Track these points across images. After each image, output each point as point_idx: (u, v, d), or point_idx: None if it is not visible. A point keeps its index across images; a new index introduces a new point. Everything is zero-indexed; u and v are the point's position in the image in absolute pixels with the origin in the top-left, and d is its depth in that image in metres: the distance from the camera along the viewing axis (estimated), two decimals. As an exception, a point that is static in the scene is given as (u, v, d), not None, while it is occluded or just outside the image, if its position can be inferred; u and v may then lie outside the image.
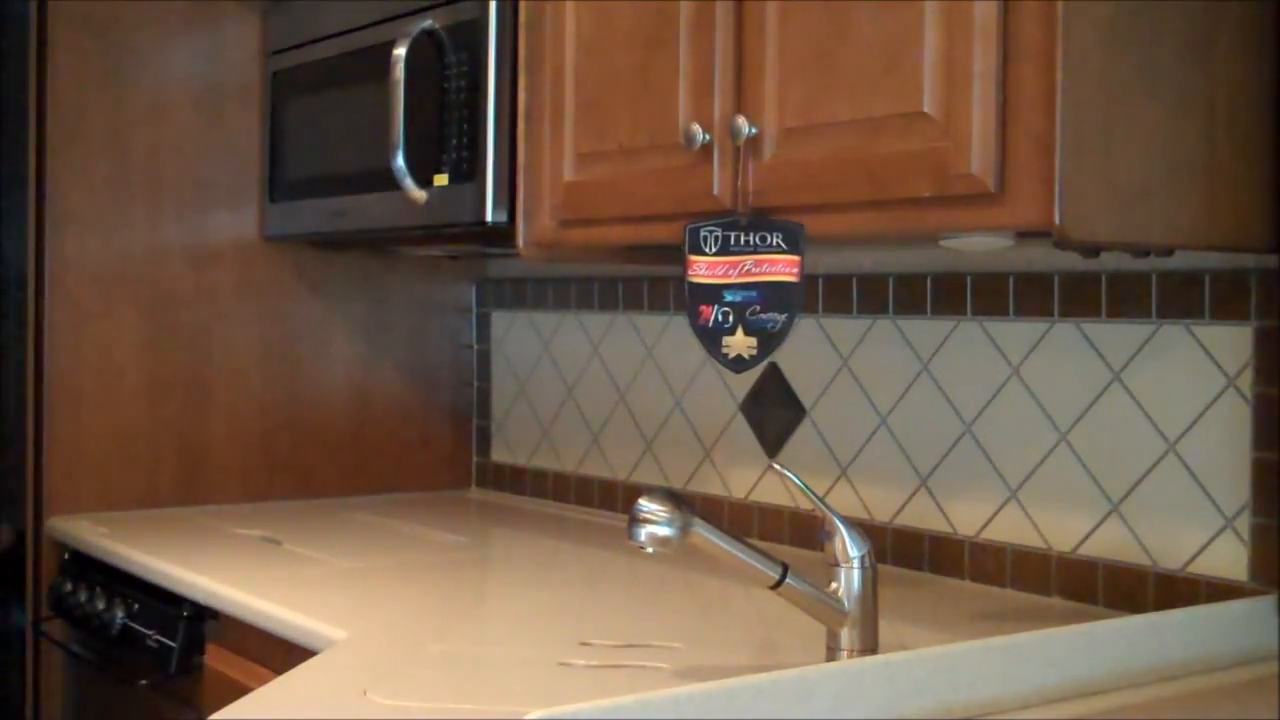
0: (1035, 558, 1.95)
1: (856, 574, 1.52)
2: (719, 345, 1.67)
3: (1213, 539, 1.75)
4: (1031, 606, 1.90)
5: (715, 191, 1.80)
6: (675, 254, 1.75)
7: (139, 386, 2.67)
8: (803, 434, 2.29)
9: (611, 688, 1.23)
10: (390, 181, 2.25)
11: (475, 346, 3.02)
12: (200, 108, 2.72)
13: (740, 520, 2.37)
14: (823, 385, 2.26)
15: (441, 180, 2.23)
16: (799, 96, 1.70)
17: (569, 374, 2.79)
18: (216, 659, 2.02)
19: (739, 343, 1.67)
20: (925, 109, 1.56)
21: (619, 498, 2.65)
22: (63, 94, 2.58)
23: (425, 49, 2.24)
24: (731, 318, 1.69)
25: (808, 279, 1.66)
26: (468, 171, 2.18)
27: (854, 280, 2.20)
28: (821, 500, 1.54)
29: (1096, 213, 1.49)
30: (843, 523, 1.53)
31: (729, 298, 1.69)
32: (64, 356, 2.61)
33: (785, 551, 2.15)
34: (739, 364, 1.68)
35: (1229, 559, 1.74)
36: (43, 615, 2.55)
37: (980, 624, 1.81)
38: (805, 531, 2.25)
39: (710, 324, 1.70)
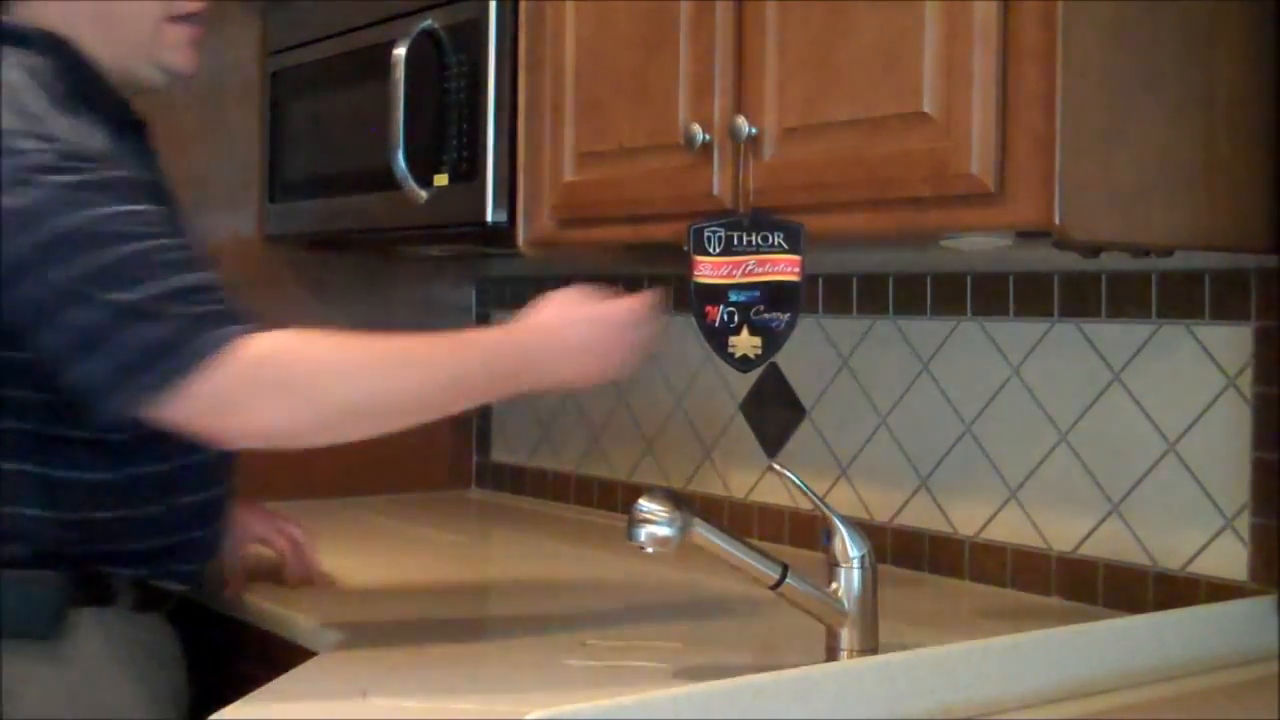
0: (1035, 558, 1.95)
1: (856, 574, 1.52)
2: (725, 345, 1.68)
3: (1213, 539, 1.75)
4: (1031, 606, 1.90)
5: (715, 191, 1.80)
6: (675, 253, 1.75)
7: (139, 386, 2.67)
8: (803, 434, 2.29)
9: (611, 688, 1.23)
10: (390, 181, 2.25)
11: (475, 346, 3.02)
12: (200, 107, 2.71)
13: (740, 520, 2.37)
14: (823, 385, 2.26)
15: (441, 180, 2.23)
16: (799, 96, 1.70)
17: (569, 374, 2.78)
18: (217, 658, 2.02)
19: (744, 342, 1.67)
20: (925, 109, 1.56)
21: (619, 498, 2.65)
22: (63, 94, 2.58)
23: (425, 49, 2.24)
24: (736, 318, 1.69)
25: (808, 279, 1.66)
26: (468, 171, 2.18)
27: (854, 280, 2.20)
28: (821, 500, 1.54)
29: (1096, 213, 1.49)
30: (843, 523, 1.53)
31: (733, 298, 1.69)
32: (64, 356, 2.60)
33: (785, 551, 2.15)
34: (745, 364, 1.68)
35: (1229, 559, 1.74)
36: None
37: (980, 624, 1.81)
38: (805, 531, 2.25)
39: (716, 324, 1.70)
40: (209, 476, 1.66)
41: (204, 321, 1.42)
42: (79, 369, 1.43)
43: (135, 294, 1.41)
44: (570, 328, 1.56)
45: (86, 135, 1.52)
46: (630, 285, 2.59)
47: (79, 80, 1.59)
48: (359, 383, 1.46)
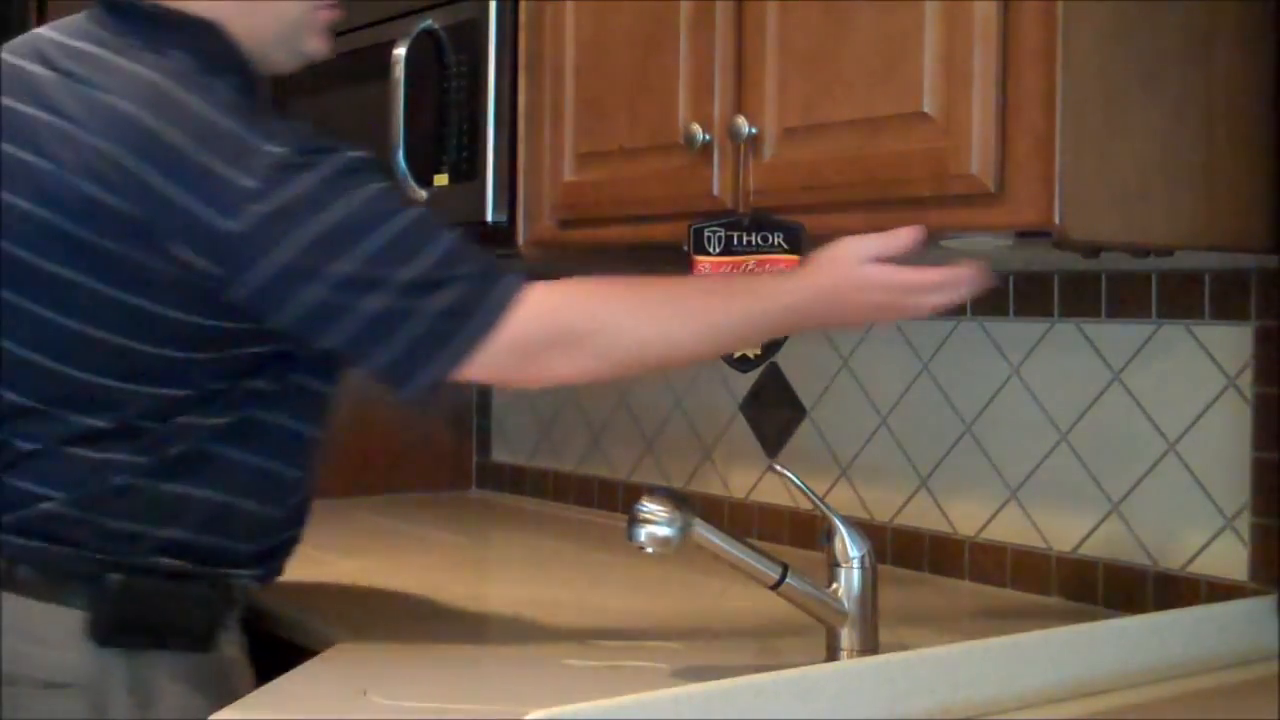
0: (1035, 558, 1.95)
1: (856, 574, 1.52)
2: (725, 345, 1.67)
3: (1213, 539, 1.75)
4: (1031, 606, 1.90)
5: (715, 192, 1.80)
6: (675, 254, 1.75)
7: (139, 386, 2.66)
8: (803, 434, 2.29)
9: (611, 688, 1.23)
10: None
11: (475, 346, 3.02)
12: (200, 108, 2.71)
13: (740, 520, 2.37)
14: (823, 385, 2.26)
15: (442, 180, 2.23)
16: (799, 96, 1.70)
17: (569, 374, 2.78)
18: (216, 659, 2.02)
19: None
20: (925, 109, 1.56)
21: (619, 498, 2.65)
22: (63, 94, 2.57)
23: (425, 49, 2.24)
24: (735, 318, 1.68)
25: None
26: (468, 171, 2.18)
27: (854, 280, 2.20)
28: (821, 500, 1.53)
29: (1096, 213, 1.49)
30: (843, 523, 1.53)
31: (732, 298, 1.68)
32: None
33: (785, 551, 2.15)
34: (744, 364, 1.68)
35: (1229, 559, 1.74)
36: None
37: (980, 624, 1.81)
38: (805, 531, 2.25)
39: (715, 324, 1.69)
40: (315, 477, 1.66)
41: (486, 278, 1.44)
42: (380, 354, 1.43)
43: (417, 268, 1.41)
44: (863, 293, 1.51)
45: (288, 124, 1.49)
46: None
47: (237, 68, 1.54)
48: (645, 335, 1.50)
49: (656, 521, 1.40)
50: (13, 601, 1.47)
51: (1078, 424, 1.90)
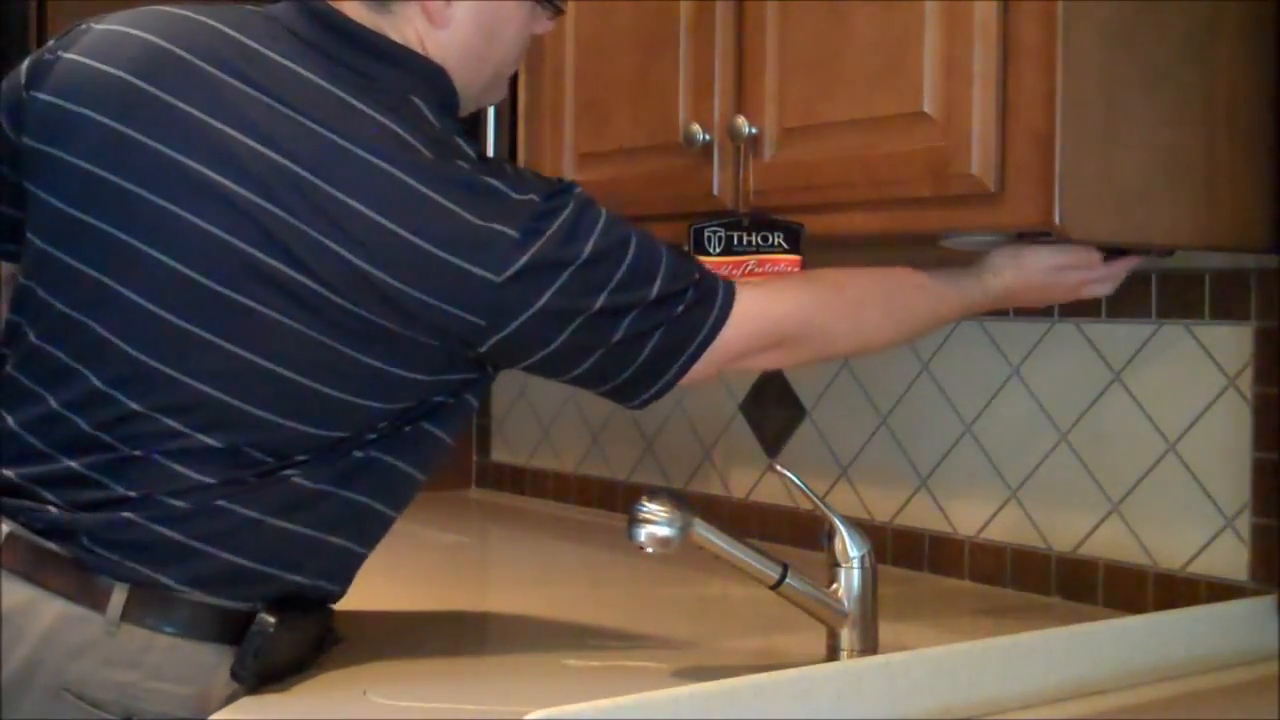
0: (1035, 558, 1.95)
1: (856, 574, 1.52)
2: (725, 345, 1.68)
3: (1213, 539, 1.75)
4: (1031, 606, 1.90)
5: (715, 192, 1.80)
6: (675, 254, 1.75)
7: (139, 386, 2.66)
8: (803, 434, 2.29)
9: (611, 688, 1.23)
10: (390, 181, 2.24)
11: (475, 346, 3.02)
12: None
13: (740, 520, 2.37)
14: (823, 385, 2.26)
15: (442, 180, 2.22)
16: (799, 96, 1.70)
17: (569, 374, 2.78)
18: (216, 659, 2.02)
19: None
20: (925, 109, 1.56)
21: (619, 498, 2.65)
22: (63, 94, 2.57)
23: (425, 49, 2.24)
24: (735, 318, 1.68)
25: (808, 279, 1.66)
26: (468, 171, 2.18)
27: (854, 280, 2.20)
28: (821, 500, 1.53)
29: (1096, 213, 1.49)
30: (843, 523, 1.53)
31: (731, 298, 1.68)
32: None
33: (785, 551, 2.15)
34: None
35: (1229, 559, 1.74)
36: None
37: (980, 624, 1.81)
38: (805, 531, 2.25)
39: (714, 324, 1.69)
40: None
41: (705, 288, 1.49)
42: (614, 378, 1.48)
43: (650, 291, 1.44)
44: (1033, 291, 1.64)
45: (511, 164, 1.48)
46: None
47: (455, 112, 1.52)
48: (850, 338, 1.62)
49: (656, 521, 1.40)
50: (141, 636, 1.41)
51: (1078, 424, 1.90)
